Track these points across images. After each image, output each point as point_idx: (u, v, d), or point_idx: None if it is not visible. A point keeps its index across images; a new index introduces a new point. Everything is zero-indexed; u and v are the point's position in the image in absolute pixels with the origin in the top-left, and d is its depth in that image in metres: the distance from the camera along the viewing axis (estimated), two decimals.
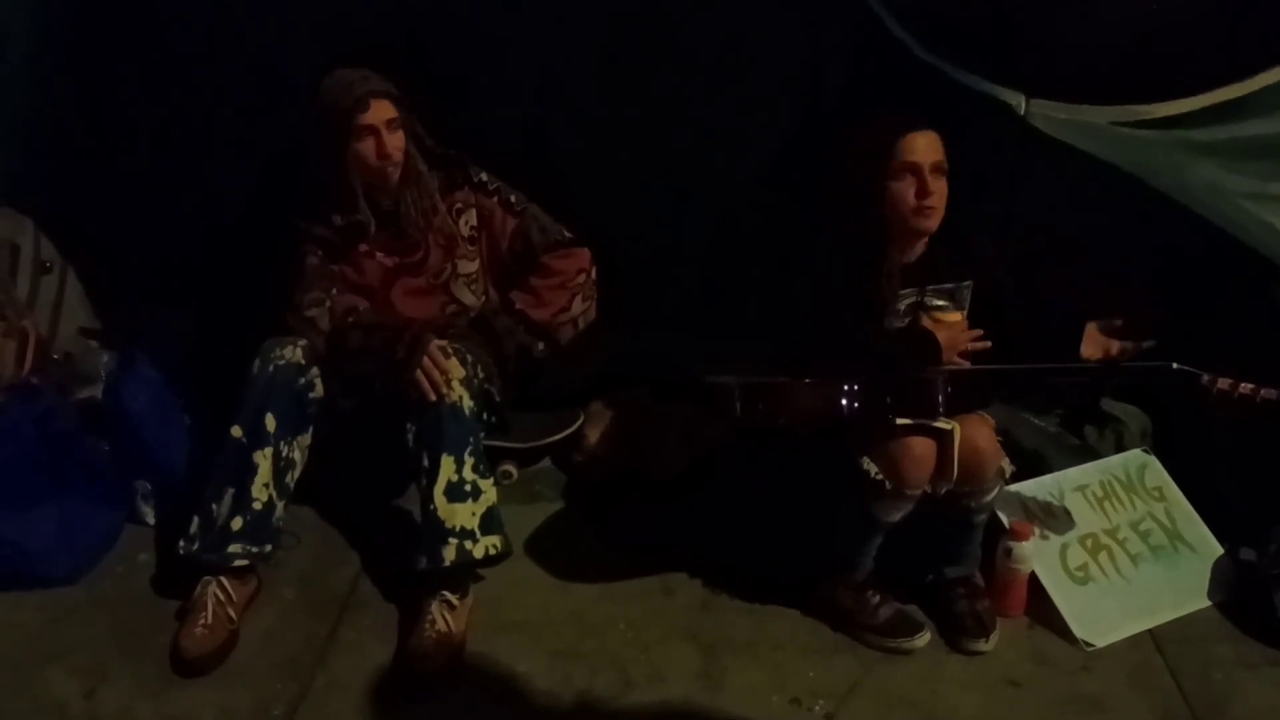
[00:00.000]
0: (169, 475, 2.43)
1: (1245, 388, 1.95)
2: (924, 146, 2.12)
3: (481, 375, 2.38)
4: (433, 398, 2.18)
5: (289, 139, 2.50)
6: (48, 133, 2.70)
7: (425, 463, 2.19)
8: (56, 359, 2.64)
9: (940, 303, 2.21)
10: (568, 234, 2.53)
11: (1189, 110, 2.40)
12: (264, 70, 2.53)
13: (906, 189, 2.11)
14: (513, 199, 2.51)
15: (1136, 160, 2.40)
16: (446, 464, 2.17)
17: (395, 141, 2.32)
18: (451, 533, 2.15)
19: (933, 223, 2.14)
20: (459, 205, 2.49)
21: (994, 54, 2.41)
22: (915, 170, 2.10)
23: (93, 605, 2.22)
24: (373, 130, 2.29)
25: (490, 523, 2.19)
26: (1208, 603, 2.30)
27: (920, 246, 2.21)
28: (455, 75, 2.56)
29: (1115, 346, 2.13)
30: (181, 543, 2.19)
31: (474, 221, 2.50)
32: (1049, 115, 2.42)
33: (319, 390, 2.28)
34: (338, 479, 2.45)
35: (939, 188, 2.11)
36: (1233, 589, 2.31)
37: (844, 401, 2.01)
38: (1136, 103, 2.42)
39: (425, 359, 2.20)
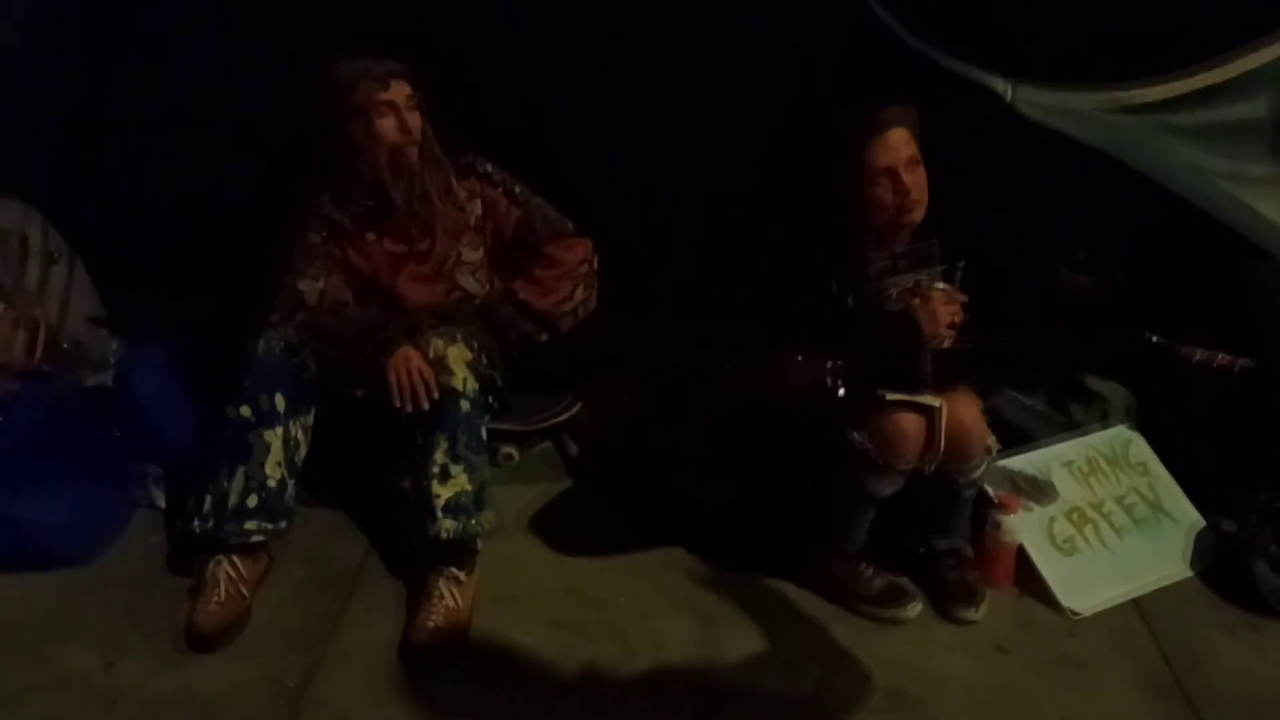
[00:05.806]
0: (179, 459, 2.47)
1: (1223, 358, 2.03)
2: (894, 144, 2.12)
3: (485, 360, 2.43)
4: (399, 404, 2.21)
5: (292, 123, 2.54)
6: (53, 124, 2.74)
7: (419, 440, 2.25)
8: (66, 347, 2.66)
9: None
10: (570, 225, 2.58)
11: (1170, 94, 2.46)
12: (266, 56, 2.56)
13: (885, 193, 2.13)
14: (517, 190, 2.55)
15: (1119, 143, 2.45)
16: (440, 442, 2.23)
17: (414, 120, 2.34)
18: (445, 508, 2.21)
19: (917, 214, 2.17)
20: (465, 194, 2.53)
21: (980, 41, 2.47)
22: (890, 173, 2.12)
23: (106, 584, 2.27)
24: (393, 106, 2.31)
25: (482, 499, 2.26)
26: (1189, 572, 2.37)
27: (907, 234, 2.22)
28: (450, 62, 2.60)
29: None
30: (196, 522, 2.24)
31: (479, 211, 2.54)
32: (1034, 100, 2.46)
33: (313, 370, 2.33)
34: (340, 459, 2.48)
35: (917, 180, 2.12)
36: (1213, 558, 2.38)
37: (833, 377, 2.07)
38: (1119, 87, 2.48)
39: (404, 370, 2.22)
